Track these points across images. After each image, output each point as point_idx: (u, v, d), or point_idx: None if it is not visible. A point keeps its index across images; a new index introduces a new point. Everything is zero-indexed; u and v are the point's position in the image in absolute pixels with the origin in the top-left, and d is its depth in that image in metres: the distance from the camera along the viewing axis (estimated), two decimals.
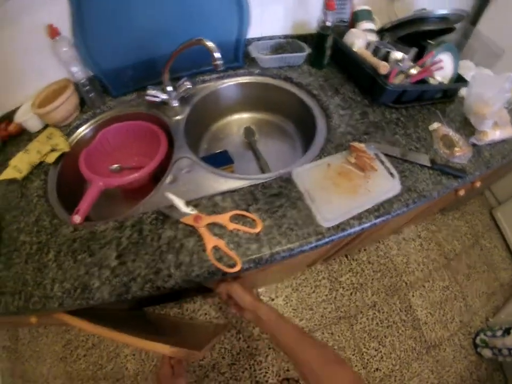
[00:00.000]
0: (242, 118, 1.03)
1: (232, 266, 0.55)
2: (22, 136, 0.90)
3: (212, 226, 0.59)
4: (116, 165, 0.88)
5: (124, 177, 0.77)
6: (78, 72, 0.84)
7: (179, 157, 0.75)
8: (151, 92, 0.82)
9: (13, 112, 0.90)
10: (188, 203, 0.62)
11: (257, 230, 0.58)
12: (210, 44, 0.64)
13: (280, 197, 0.64)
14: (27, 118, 0.86)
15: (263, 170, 0.87)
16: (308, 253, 0.63)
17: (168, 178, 0.70)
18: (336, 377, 0.47)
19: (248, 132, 0.98)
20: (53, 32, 0.74)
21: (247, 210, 0.61)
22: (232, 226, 0.57)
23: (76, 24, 0.75)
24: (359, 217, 0.63)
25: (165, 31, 0.83)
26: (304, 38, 0.99)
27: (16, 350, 1.43)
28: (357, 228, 0.62)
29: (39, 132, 0.90)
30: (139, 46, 0.84)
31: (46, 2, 0.73)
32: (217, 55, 0.64)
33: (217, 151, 0.86)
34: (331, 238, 0.60)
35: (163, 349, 0.60)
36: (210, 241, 0.56)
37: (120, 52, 0.84)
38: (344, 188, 0.66)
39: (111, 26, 0.78)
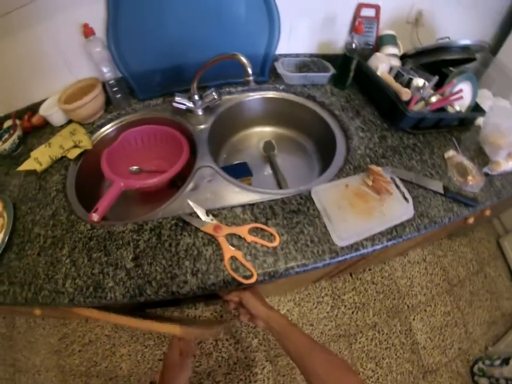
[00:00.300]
0: (263, 131, 1.07)
1: (248, 277, 0.57)
2: (45, 129, 0.94)
3: (230, 237, 0.62)
4: (135, 167, 0.91)
5: (143, 179, 0.80)
6: (108, 72, 0.87)
7: (202, 165, 0.77)
8: (178, 99, 0.85)
9: (38, 104, 0.93)
10: (208, 212, 0.65)
11: (275, 244, 0.60)
12: (244, 60, 0.68)
13: (298, 214, 0.67)
14: (52, 112, 0.90)
15: (280, 185, 0.89)
16: (315, 270, 0.65)
17: (190, 186, 0.73)
18: None
19: (268, 145, 1.01)
20: (88, 32, 0.78)
21: (266, 224, 0.64)
22: (250, 238, 0.60)
23: (110, 27, 0.79)
24: (372, 239, 0.65)
25: (195, 40, 0.86)
26: (328, 57, 1.02)
27: (11, 337, 1.45)
28: (370, 249, 0.64)
29: (62, 126, 0.93)
30: (169, 53, 0.88)
31: (84, 2, 0.77)
32: (250, 71, 0.68)
33: (236, 162, 0.89)
34: (344, 257, 0.63)
35: (174, 329, 0.62)
36: (228, 251, 0.58)
37: (150, 57, 0.87)
38: (360, 209, 0.69)
39: (144, 31, 0.82)
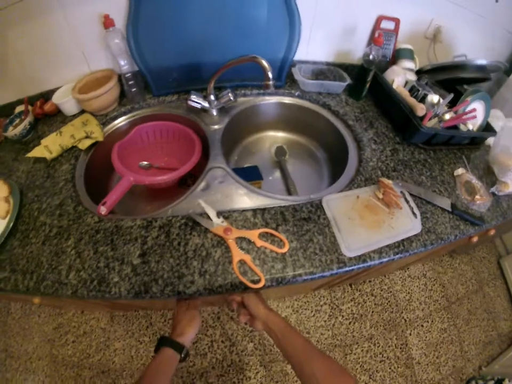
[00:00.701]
0: (276, 136, 1.08)
1: (256, 282, 0.58)
2: (56, 117, 0.95)
3: (240, 240, 0.63)
4: (145, 162, 0.92)
5: (152, 175, 0.80)
6: (125, 65, 0.88)
7: (214, 166, 0.79)
8: (193, 97, 0.87)
9: (51, 92, 0.94)
10: (219, 214, 0.66)
11: (284, 250, 0.61)
12: (265, 64, 0.69)
13: (309, 222, 0.68)
14: (65, 101, 0.90)
15: (289, 191, 0.90)
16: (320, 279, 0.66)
17: (201, 186, 0.74)
18: None
19: (280, 151, 1.02)
20: (108, 23, 0.79)
21: (276, 229, 0.65)
22: (260, 243, 0.61)
23: (131, 20, 0.80)
24: (379, 251, 0.66)
25: (214, 39, 0.87)
26: (345, 67, 1.04)
27: (6, 323, 1.46)
28: (377, 261, 0.65)
29: (74, 116, 0.94)
30: (187, 50, 0.89)
31: None
32: (271, 75, 0.69)
33: (247, 165, 0.91)
34: (352, 267, 0.64)
35: None
36: (237, 254, 0.59)
37: (168, 53, 0.89)
38: (369, 221, 0.70)
39: (164, 26, 0.83)
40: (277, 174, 0.98)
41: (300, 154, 1.04)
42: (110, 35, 0.81)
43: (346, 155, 0.86)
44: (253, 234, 0.62)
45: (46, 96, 0.97)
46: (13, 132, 0.87)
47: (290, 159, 1.02)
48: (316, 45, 1.01)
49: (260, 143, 1.05)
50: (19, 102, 0.97)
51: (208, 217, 0.65)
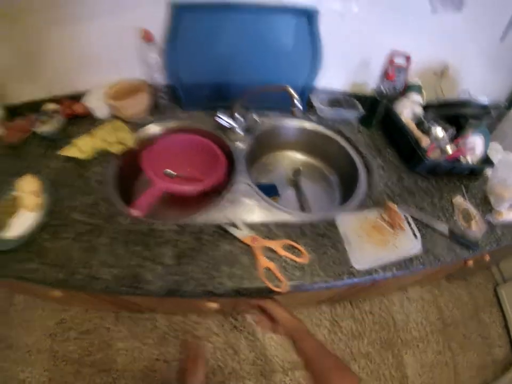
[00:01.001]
0: (293, 156, 1.23)
1: (279, 287, 0.70)
2: (85, 119, 1.05)
3: (265, 249, 0.75)
4: (170, 171, 1.04)
5: (176, 183, 0.91)
6: (158, 78, 1.00)
7: (239, 180, 0.92)
8: (221, 115, 1.00)
9: (79, 93, 1.06)
10: (246, 224, 0.79)
11: (304, 260, 0.74)
12: (293, 93, 0.83)
13: (324, 237, 0.81)
14: (98, 105, 1.02)
15: (302, 208, 1.04)
16: (328, 290, 0.78)
17: (227, 198, 0.87)
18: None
19: (296, 171, 1.17)
20: (148, 37, 0.90)
21: (296, 242, 0.77)
22: (283, 253, 0.74)
23: (170, 37, 0.92)
24: (384, 267, 0.79)
25: (243, 62, 1.01)
26: (359, 97, 1.19)
27: (7, 313, 1.51)
28: (381, 275, 0.78)
29: (103, 119, 1.05)
30: (218, 70, 1.02)
31: (149, 8, 0.89)
32: (299, 105, 0.83)
33: (266, 182, 1.04)
34: (360, 279, 0.76)
35: None
36: (263, 262, 0.72)
37: (201, 71, 1.02)
38: (376, 240, 0.83)
39: (199, 46, 0.95)
40: (291, 191, 1.12)
41: (314, 175, 1.19)
42: (147, 48, 0.92)
43: (357, 179, 1.00)
44: (277, 245, 0.74)
45: (75, 97, 1.07)
46: (42, 128, 0.96)
47: (305, 178, 1.16)
48: (333, 75, 1.15)
49: (278, 161, 1.20)
50: (47, 99, 1.06)
51: (236, 227, 0.77)
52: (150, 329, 1.51)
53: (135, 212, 0.82)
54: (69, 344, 1.46)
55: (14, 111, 1.05)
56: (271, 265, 0.71)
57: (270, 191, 0.98)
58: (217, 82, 1.05)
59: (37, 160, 0.94)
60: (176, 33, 0.92)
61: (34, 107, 1.06)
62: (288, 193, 1.11)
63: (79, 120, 1.06)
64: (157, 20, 0.92)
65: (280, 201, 1.01)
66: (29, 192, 0.88)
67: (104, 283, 0.69)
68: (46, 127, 0.98)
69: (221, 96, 1.07)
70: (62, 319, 1.51)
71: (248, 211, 0.85)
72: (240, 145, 1.02)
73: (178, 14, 0.88)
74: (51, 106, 1.05)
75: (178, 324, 1.52)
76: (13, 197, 0.89)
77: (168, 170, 1.05)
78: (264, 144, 1.13)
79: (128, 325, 1.52)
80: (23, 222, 0.83)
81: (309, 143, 1.18)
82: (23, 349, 1.44)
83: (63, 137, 1.01)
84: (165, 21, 0.91)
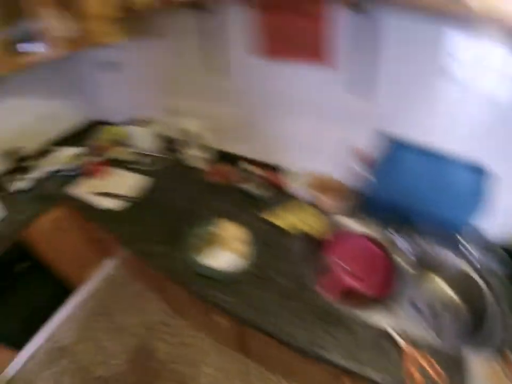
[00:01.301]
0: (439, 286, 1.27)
1: None
2: (281, 192, 1.35)
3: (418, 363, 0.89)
4: (341, 262, 1.21)
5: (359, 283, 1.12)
6: (360, 186, 1.25)
7: (405, 295, 1.08)
8: (395, 234, 1.21)
9: (275, 166, 1.41)
10: (403, 335, 0.95)
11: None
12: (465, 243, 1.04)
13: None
14: (301, 187, 1.31)
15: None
16: None
17: (394, 307, 1.04)
18: None
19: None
20: (364, 158, 1.18)
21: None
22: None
23: (384, 164, 1.18)
24: None
25: (419, 198, 1.21)
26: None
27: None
28: None
29: (300, 201, 1.33)
30: (402, 199, 1.23)
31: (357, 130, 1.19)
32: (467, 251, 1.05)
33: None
34: None
35: None
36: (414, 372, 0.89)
37: (391, 195, 1.24)
38: None
39: (394, 176, 1.21)
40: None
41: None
42: (357, 166, 1.21)
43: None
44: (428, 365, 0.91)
45: (272, 168, 1.40)
46: (249, 187, 1.29)
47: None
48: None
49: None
50: (246, 158, 1.44)
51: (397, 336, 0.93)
52: (242, 372, 1.61)
53: (324, 291, 1.03)
54: (159, 344, 1.72)
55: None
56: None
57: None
58: (399, 206, 1.23)
59: (240, 212, 1.24)
60: (389, 163, 1.18)
61: (232, 159, 1.45)
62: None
63: (275, 190, 1.35)
64: (368, 141, 1.18)
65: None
66: (234, 237, 1.14)
67: (294, 341, 0.91)
68: (256, 190, 1.27)
69: (400, 220, 1.23)
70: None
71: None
72: (405, 267, 1.15)
73: (397, 149, 1.15)
74: (251, 167, 1.37)
75: None
76: (211, 232, 1.15)
77: (338, 261, 1.19)
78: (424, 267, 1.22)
79: (219, 355, 1.68)
80: (226, 260, 1.06)
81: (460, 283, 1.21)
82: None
83: (268, 201, 1.30)
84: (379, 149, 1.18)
